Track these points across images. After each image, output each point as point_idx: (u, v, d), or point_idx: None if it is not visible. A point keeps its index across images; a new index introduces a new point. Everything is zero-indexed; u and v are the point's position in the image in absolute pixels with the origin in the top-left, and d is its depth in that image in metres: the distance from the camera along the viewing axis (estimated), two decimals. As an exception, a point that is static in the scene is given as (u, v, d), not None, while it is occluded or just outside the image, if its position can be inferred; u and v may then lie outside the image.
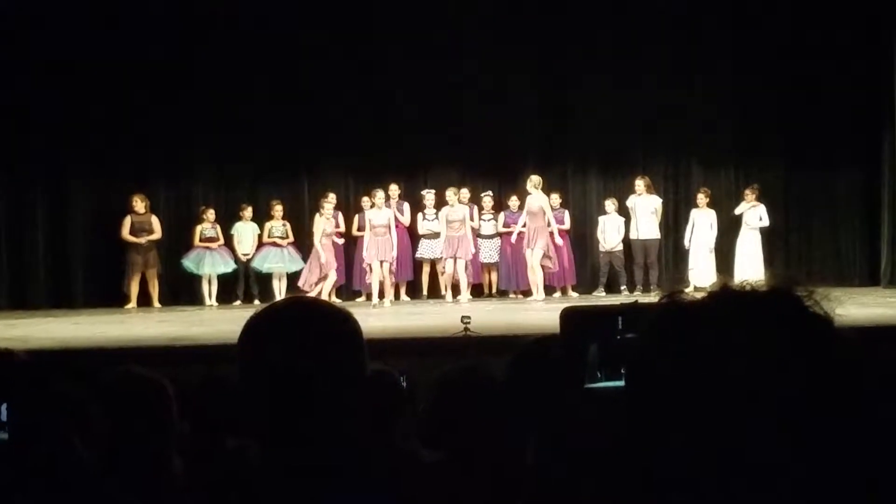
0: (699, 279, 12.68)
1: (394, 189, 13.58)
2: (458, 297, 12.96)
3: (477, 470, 2.30)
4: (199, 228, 13.46)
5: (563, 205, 13.87)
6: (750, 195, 13.47)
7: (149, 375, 2.73)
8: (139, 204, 13.15)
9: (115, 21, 13.09)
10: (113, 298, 13.15)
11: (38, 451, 1.77)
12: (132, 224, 13.11)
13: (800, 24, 13.69)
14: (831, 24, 13.54)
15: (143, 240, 13.00)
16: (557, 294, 13.50)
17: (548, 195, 13.30)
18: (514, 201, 13.63)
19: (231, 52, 13.43)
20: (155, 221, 13.29)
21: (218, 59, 13.46)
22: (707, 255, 13.34)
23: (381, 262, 12.69)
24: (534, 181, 12.98)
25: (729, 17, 13.89)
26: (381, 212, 12.80)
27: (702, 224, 13.48)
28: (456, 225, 13.14)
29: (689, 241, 13.56)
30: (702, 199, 13.57)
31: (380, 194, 12.95)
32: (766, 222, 13.40)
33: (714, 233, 13.45)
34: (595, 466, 1.91)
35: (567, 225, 13.77)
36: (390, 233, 12.74)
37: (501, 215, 13.67)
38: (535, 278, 12.98)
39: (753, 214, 13.39)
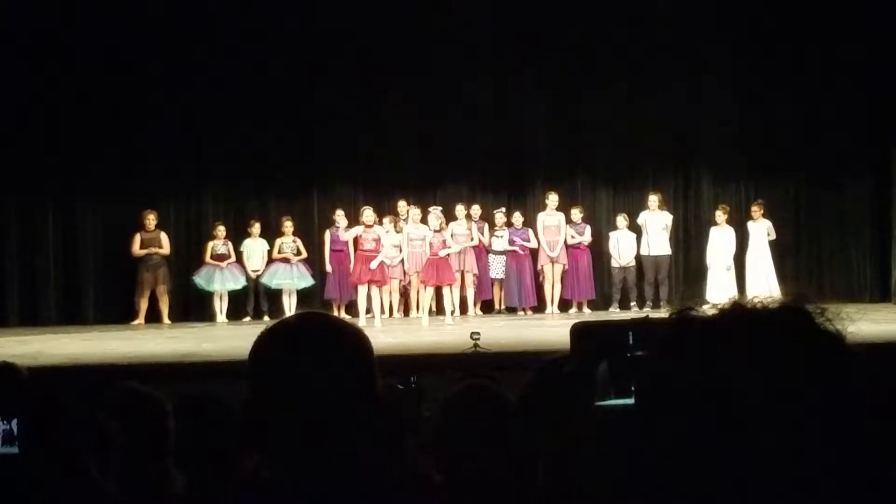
0: (716, 296, 12.61)
1: (406, 209, 13.67)
2: (466, 313, 13.30)
3: (486, 490, 2.29)
4: (209, 245, 13.48)
5: (583, 220, 13.91)
6: (756, 212, 13.43)
7: (145, 391, 2.71)
8: (150, 221, 13.21)
9: (124, 40, 13.14)
10: (124, 315, 13.19)
11: (48, 467, 1.78)
12: (141, 241, 13.16)
13: (809, 39, 13.68)
14: (840, 38, 13.53)
15: (151, 250, 13.03)
16: (574, 310, 13.62)
17: (569, 210, 13.63)
18: (517, 217, 13.69)
19: (240, 69, 13.48)
20: (164, 238, 13.34)
21: (226, 76, 13.50)
22: (724, 272, 13.27)
23: (417, 272, 13.04)
24: (553, 199, 13.49)
25: (739, 32, 13.88)
26: (419, 227, 13.09)
27: (719, 241, 13.41)
28: (461, 239, 13.26)
29: (710, 258, 13.49)
30: (720, 215, 13.48)
31: (413, 210, 13.18)
32: (772, 236, 13.36)
33: (731, 250, 13.37)
34: (606, 485, 1.91)
35: (589, 238, 13.82)
36: (425, 246, 13.13)
37: (506, 232, 13.69)
38: (553, 293, 13.47)
39: (761, 230, 13.35)
